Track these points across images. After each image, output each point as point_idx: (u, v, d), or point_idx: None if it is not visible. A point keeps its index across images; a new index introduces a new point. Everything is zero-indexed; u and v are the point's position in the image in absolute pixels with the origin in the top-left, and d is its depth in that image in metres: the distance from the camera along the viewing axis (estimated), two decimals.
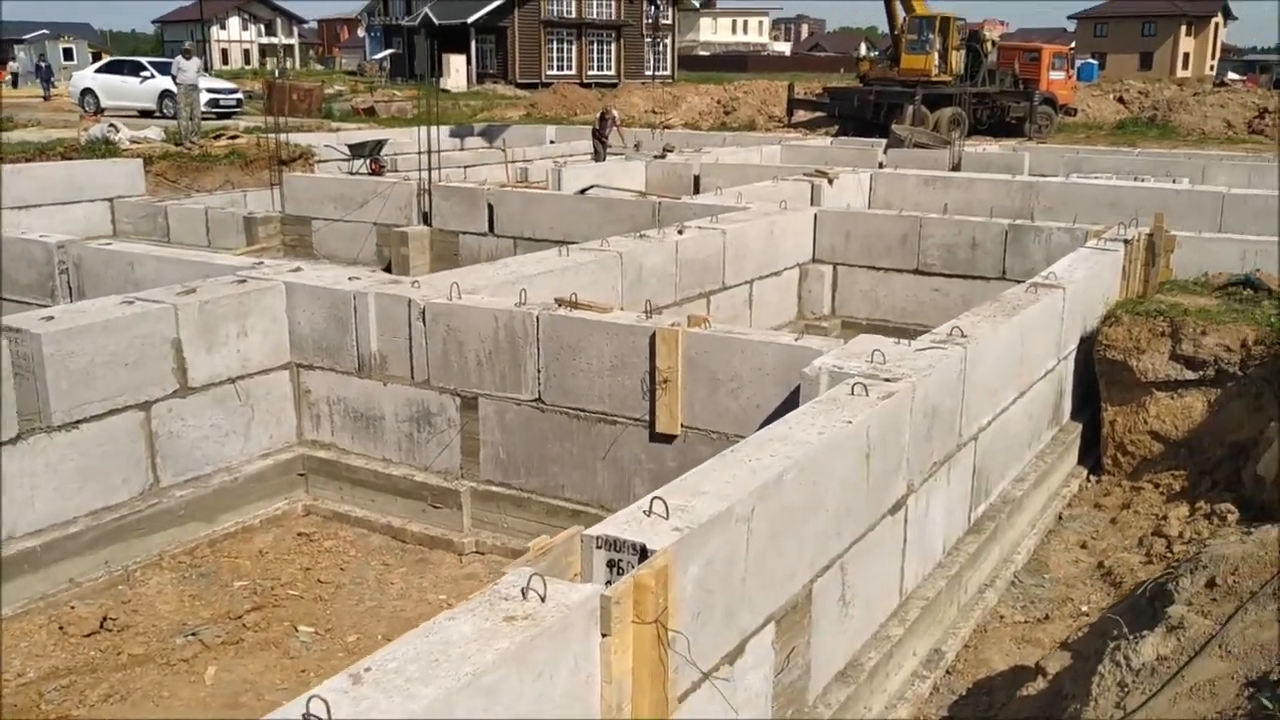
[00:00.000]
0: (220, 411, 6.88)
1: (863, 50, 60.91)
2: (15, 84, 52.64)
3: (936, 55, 32.79)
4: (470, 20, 60.57)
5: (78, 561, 6.06)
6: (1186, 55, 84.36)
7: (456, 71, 58.03)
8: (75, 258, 8.86)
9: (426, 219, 13.71)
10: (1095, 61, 65.87)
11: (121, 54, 55.68)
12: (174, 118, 23.83)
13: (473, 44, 61.77)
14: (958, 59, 33.27)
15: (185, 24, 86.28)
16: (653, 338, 6.13)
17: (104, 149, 18.25)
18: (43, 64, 52.85)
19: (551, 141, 26.38)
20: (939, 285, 10.75)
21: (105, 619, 5.73)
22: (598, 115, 25.23)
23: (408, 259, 13.16)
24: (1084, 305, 7.66)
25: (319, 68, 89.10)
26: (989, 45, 34.92)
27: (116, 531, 6.25)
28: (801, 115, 37.31)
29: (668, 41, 68.01)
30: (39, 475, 5.96)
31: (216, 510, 6.77)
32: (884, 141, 22.62)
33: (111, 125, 20.65)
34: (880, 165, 18.29)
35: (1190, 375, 7.31)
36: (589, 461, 6.49)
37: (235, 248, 14.20)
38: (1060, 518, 7.25)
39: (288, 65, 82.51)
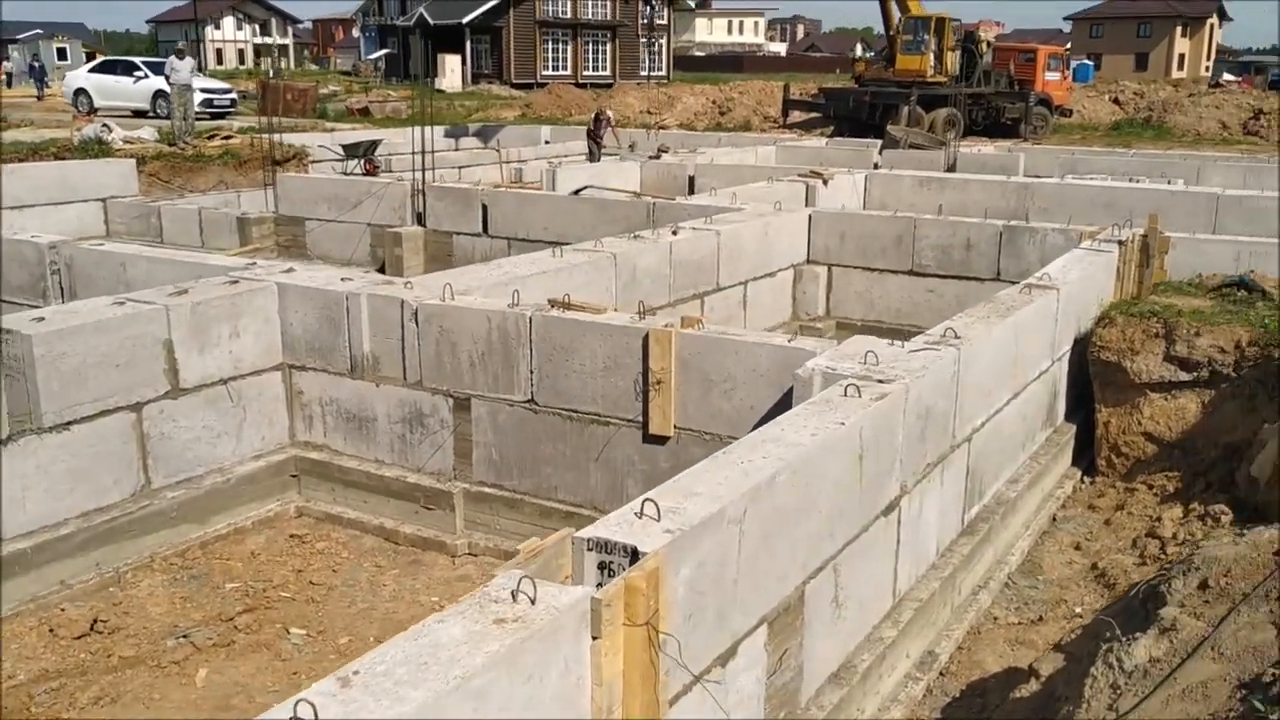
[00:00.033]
0: (212, 413, 6.86)
1: (858, 51, 60.92)
2: (9, 84, 52.53)
3: (932, 56, 32.82)
4: (465, 20, 60.53)
5: (68, 563, 6.03)
6: (1182, 56, 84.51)
7: (451, 72, 57.98)
8: (67, 258, 8.83)
9: (420, 219, 13.68)
10: (1091, 62, 65.97)
11: (116, 54, 55.56)
12: (167, 118, 23.80)
13: (468, 44, 61.73)
14: (953, 60, 33.31)
15: (180, 24, 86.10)
16: (646, 339, 6.12)
17: (97, 149, 18.20)
18: (36, 64, 52.81)
19: (546, 142, 26.37)
20: (934, 286, 10.75)
21: (96, 621, 5.70)
22: (592, 116, 25.21)
23: (402, 260, 13.15)
24: (1078, 306, 7.66)
25: (314, 68, 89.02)
26: (984, 46, 34.99)
27: (108, 533, 6.22)
28: (797, 116, 37.33)
29: (663, 42, 68.03)
30: (30, 476, 5.93)
31: (208, 512, 6.74)
32: (879, 142, 22.65)
33: (105, 125, 20.61)
34: (875, 166, 18.28)
35: (1184, 376, 7.31)
36: (582, 463, 6.47)
37: (229, 248, 14.17)
38: (1054, 519, 7.24)
39: (282, 65, 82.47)
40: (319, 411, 7.26)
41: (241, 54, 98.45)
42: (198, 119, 24.22)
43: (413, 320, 6.76)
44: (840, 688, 4.54)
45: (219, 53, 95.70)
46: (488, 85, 58.19)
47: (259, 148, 19.07)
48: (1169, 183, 15.61)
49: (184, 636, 5.62)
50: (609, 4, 65.05)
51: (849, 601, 4.64)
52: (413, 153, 15.76)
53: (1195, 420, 7.30)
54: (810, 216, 11.42)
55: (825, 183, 13.67)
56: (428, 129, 15.54)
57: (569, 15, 63.78)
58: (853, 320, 10.99)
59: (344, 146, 20.45)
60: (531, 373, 6.50)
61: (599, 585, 3.16)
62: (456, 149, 23.76)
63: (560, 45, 64.00)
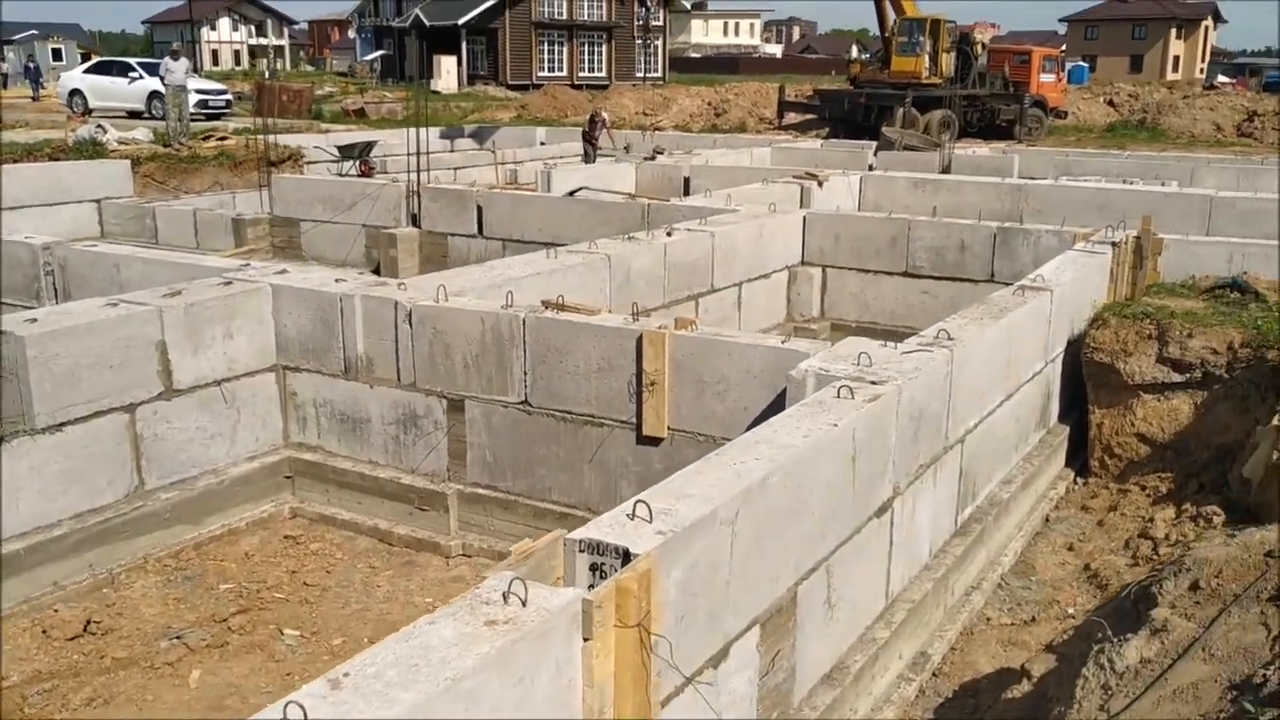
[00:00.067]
0: (206, 414, 6.85)
1: (854, 52, 60.96)
2: (4, 85, 52.40)
3: (927, 58, 32.87)
4: (461, 22, 60.49)
5: (62, 564, 6.02)
6: (1176, 58, 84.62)
7: (447, 73, 57.97)
8: (61, 259, 8.82)
9: (415, 221, 13.68)
10: (1085, 64, 66.04)
11: (111, 55, 55.50)
12: (163, 119, 23.77)
13: (463, 45, 61.68)
14: (948, 61, 33.36)
15: (175, 25, 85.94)
16: (639, 340, 6.12)
17: (91, 150, 18.18)
18: (31, 64, 52.69)
19: (542, 143, 26.36)
20: (928, 288, 10.76)
21: (89, 622, 5.70)
22: (588, 117, 25.23)
23: (396, 261, 13.15)
24: (1072, 308, 7.67)
25: (309, 69, 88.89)
26: (979, 48, 35.06)
27: (101, 534, 6.22)
28: (792, 117, 37.35)
29: (659, 43, 68.04)
30: (23, 478, 5.92)
31: (202, 513, 6.74)
32: (874, 144, 22.66)
33: (99, 126, 20.58)
34: (870, 168, 18.31)
35: (1177, 378, 7.33)
36: (576, 464, 6.48)
37: (224, 249, 14.16)
38: (1047, 520, 7.25)
39: (278, 66, 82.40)
40: (313, 413, 7.25)
41: (237, 55, 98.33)
42: (193, 120, 24.19)
43: (406, 321, 6.76)
44: (833, 689, 4.55)
45: (215, 54, 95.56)
46: (483, 86, 58.17)
47: (254, 149, 19.04)
48: (1163, 184, 15.65)
49: (177, 638, 5.62)
50: (605, 5, 65.05)
51: (842, 602, 4.65)
52: (408, 154, 15.75)
53: (1188, 421, 7.32)
54: (805, 218, 11.43)
55: (820, 184, 13.68)
56: (423, 130, 15.53)
57: (565, 17, 63.76)
58: (847, 322, 11.00)
59: (339, 148, 20.45)
60: (525, 374, 6.50)
61: (591, 587, 3.16)
62: (452, 150, 23.75)
63: (556, 47, 63.99)
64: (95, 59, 41.59)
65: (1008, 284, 7.84)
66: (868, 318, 11.02)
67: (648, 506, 3.41)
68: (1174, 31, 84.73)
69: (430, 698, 2.52)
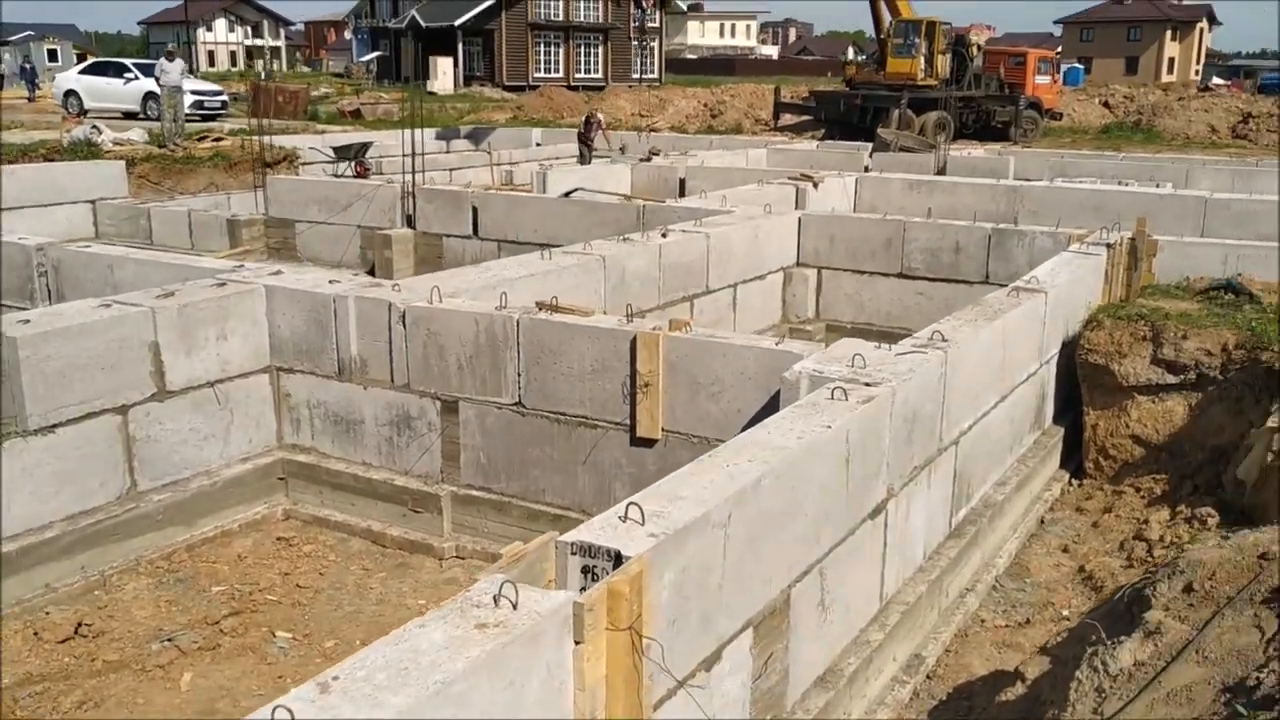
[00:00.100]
0: (199, 415, 6.83)
1: (849, 54, 61.09)
2: (1, 85, 52.36)
3: (922, 59, 32.85)
4: (457, 23, 60.49)
5: (53, 566, 6.00)
6: (1172, 60, 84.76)
7: (443, 74, 57.97)
8: (54, 260, 8.80)
9: (411, 222, 13.67)
10: (1081, 66, 66.12)
11: (107, 55, 55.46)
12: (157, 120, 23.73)
13: (460, 46, 61.67)
14: (943, 63, 33.33)
15: (171, 25, 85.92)
16: (634, 342, 6.11)
17: (86, 151, 18.14)
18: (27, 65, 52.61)
19: (538, 144, 26.37)
20: (923, 289, 10.76)
21: (80, 625, 5.67)
22: (583, 118, 25.23)
23: (391, 262, 13.13)
24: (1066, 309, 7.67)
25: (306, 70, 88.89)
26: (975, 49, 35.00)
27: (93, 536, 6.19)
28: (788, 119, 37.33)
29: (655, 44, 68.04)
30: (15, 479, 5.90)
31: (195, 515, 6.72)
32: (870, 145, 22.66)
33: (94, 127, 20.54)
34: (866, 169, 18.31)
35: (1171, 379, 7.32)
36: (570, 466, 6.46)
37: (219, 250, 14.14)
38: (1042, 521, 7.25)
39: (274, 67, 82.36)
40: (306, 414, 7.24)
41: (234, 56, 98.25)
42: (188, 121, 24.16)
43: (400, 323, 6.75)
44: (826, 691, 4.54)
45: (211, 55, 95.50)
46: (479, 87, 58.16)
47: (250, 150, 19.03)
48: (1157, 186, 15.66)
49: (169, 640, 5.60)
50: (601, 7, 65.04)
51: (835, 605, 4.64)
52: (403, 155, 15.75)
53: (1182, 423, 7.32)
54: (800, 219, 11.43)
55: (815, 185, 13.68)
56: (419, 131, 15.54)
57: (561, 18, 63.76)
58: (842, 323, 11.00)
59: (335, 149, 20.44)
60: (519, 375, 6.49)
61: (583, 590, 3.15)
62: (448, 151, 23.76)
63: (552, 48, 63.98)
64: (91, 60, 41.54)
65: (1003, 285, 7.83)
66: (863, 319, 11.02)
67: (640, 509, 3.39)
68: (1169, 33, 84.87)
69: (420, 701, 2.51)
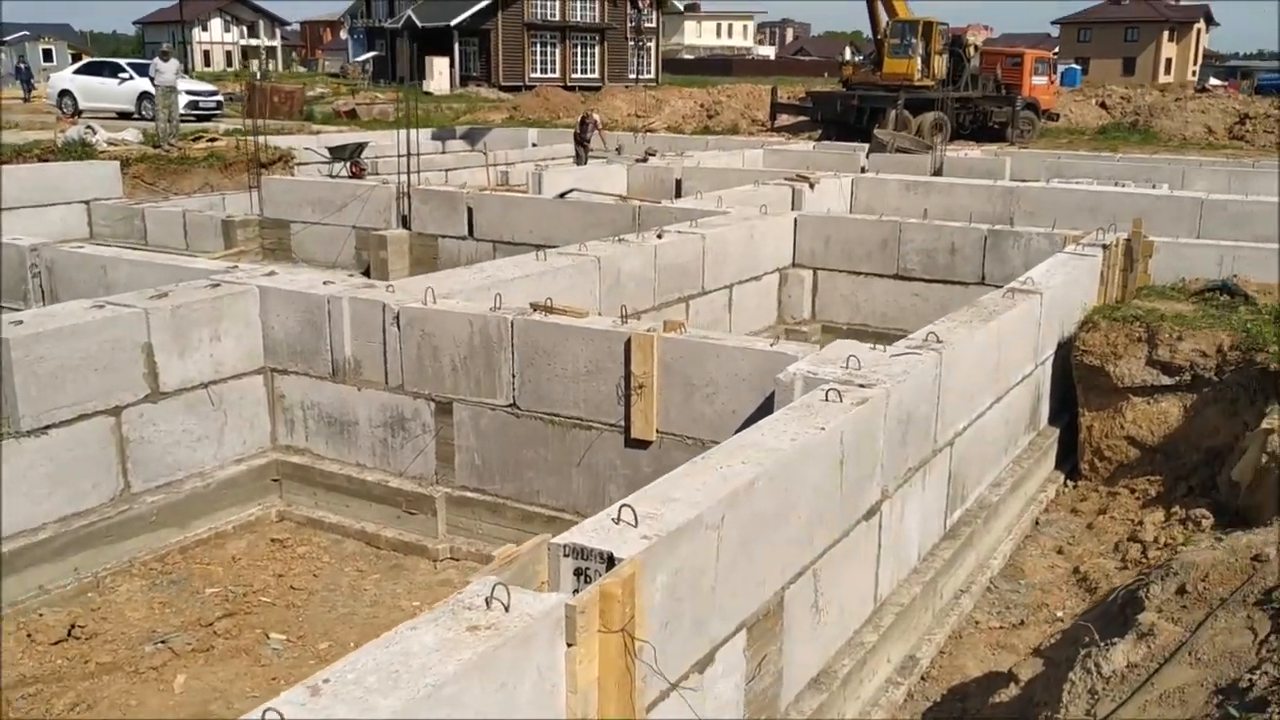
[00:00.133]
0: (193, 417, 6.82)
1: (846, 54, 61.12)
2: None
3: (919, 60, 32.88)
4: (453, 23, 60.48)
5: (46, 568, 5.98)
6: (1169, 61, 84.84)
7: (439, 74, 57.93)
8: (48, 261, 8.78)
9: (406, 222, 13.66)
10: (1078, 67, 66.23)
11: (102, 55, 55.39)
12: (152, 120, 23.71)
13: (456, 46, 61.67)
14: (940, 64, 33.36)
15: (167, 25, 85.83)
16: (628, 343, 6.10)
17: (81, 151, 18.12)
18: (22, 65, 52.55)
19: (534, 145, 26.37)
20: (919, 290, 10.75)
21: (73, 627, 5.66)
22: (579, 119, 25.22)
23: (386, 263, 13.12)
24: (1062, 310, 7.67)
25: (301, 70, 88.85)
26: (972, 50, 35.04)
27: (86, 538, 6.18)
28: (784, 119, 37.35)
29: (651, 45, 68.02)
30: (7, 481, 5.88)
31: (189, 516, 6.70)
32: (866, 146, 22.66)
33: (89, 127, 20.52)
34: (862, 170, 18.31)
35: (1166, 381, 7.33)
36: (564, 467, 6.45)
37: (213, 251, 14.11)
38: (1037, 523, 7.25)
39: (270, 67, 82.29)
40: (300, 415, 7.22)
41: (229, 56, 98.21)
42: (183, 121, 24.13)
43: (394, 324, 6.74)
44: (820, 693, 4.53)
45: (207, 54, 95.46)
46: (476, 87, 58.15)
47: (245, 150, 19.02)
48: (1154, 187, 15.67)
49: (162, 642, 5.58)
50: (597, 7, 65.05)
51: (829, 606, 4.63)
52: (399, 155, 15.74)
53: (1177, 424, 7.32)
54: (796, 220, 11.43)
55: (811, 186, 13.68)
56: (414, 132, 15.53)
57: (557, 18, 63.76)
58: (838, 324, 11.00)
59: (330, 149, 20.42)
60: (513, 377, 6.48)
61: (575, 592, 3.14)
62: (443, 152, 23.75)
63: (548, 48, 63.98)
64: (86, 59, 41.49)
65: (998, 286, 7.82)
66: (859, 320, 11.02)
67: (633, 511, 3.39)
68: (1166, 34, 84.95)
69: (411, 704, 2.50)
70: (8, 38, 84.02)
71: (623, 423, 6.22)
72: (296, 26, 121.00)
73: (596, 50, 65.81)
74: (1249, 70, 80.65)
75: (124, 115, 30.40)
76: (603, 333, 6.22)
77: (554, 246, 9.16)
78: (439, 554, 6.64)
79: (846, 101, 34.03)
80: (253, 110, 22.29)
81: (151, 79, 22.82)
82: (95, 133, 19.90)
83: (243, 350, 7.09)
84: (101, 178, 16.11)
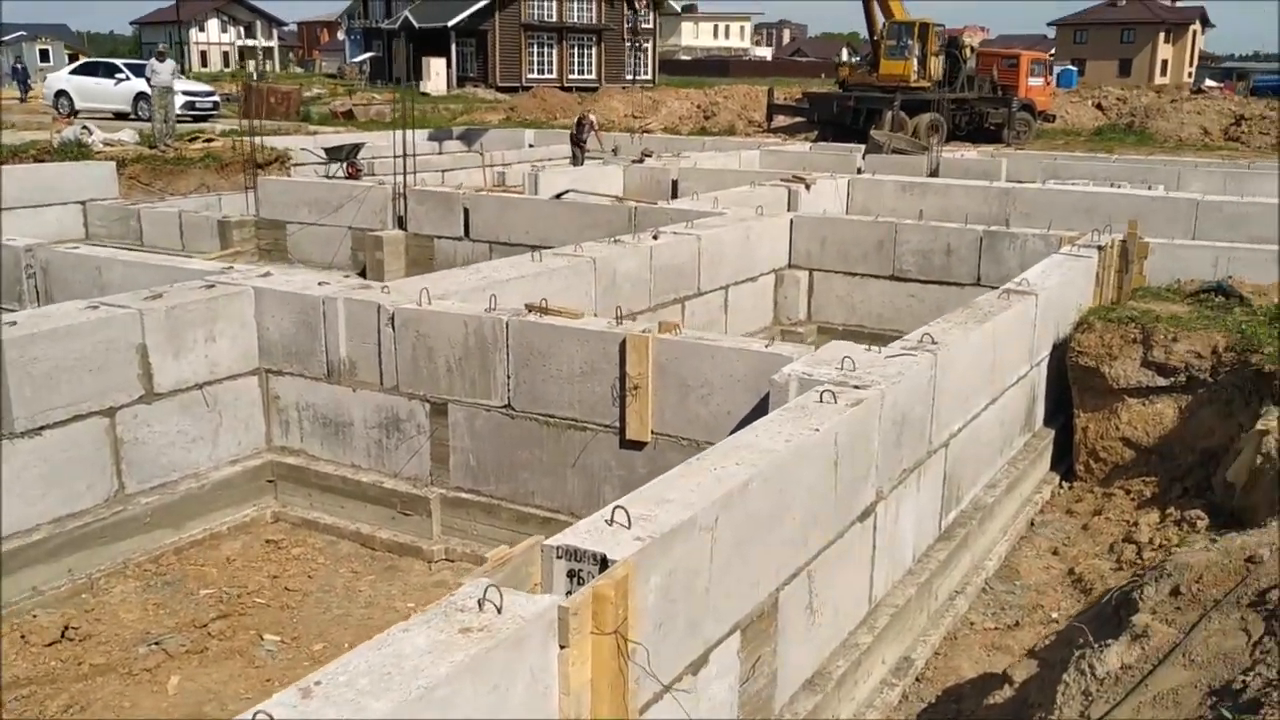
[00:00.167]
0: (187, 418, 6.81)
1: (843, 55, 61.17)
2: None
3: (915, 61, 32.91)
4: (450, 23, 60.46)
5: (40, 569, 5.97)
6: (1165, 62, 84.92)
7: (436, 75, 57.90)
8: (43, 262, 8.76)
9: (402, 223, 13.65)
10: (1074, 68, 66.33)
11: (99, 55, 55.32)
12: (148, 120, 23.68)
13: (453, 47, 61.65)
14: (937, 65, 33.41)
15: (164, 25, 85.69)
16: (623, 344, 6.10)
17: (77, 151, 18.11)
18: (19, 66, 52.46)
19: (530, 145, 26.36)
20: (915, 291, 10.76)
21: (67, 628, 5.64)
22: (576, 120, 25.22)
23: (382, 263, 13.11)
24: (1057, 311, 7.67)
25: (298, 70, 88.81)
26: (968, 51, 35.09)
27: (81, 539, 6.17)
28: (781, 120, 37.38)
29: (648, 46, 68.05)
30: (2, 482, 5.87)
31: (183, 517, 6.69)
32: (862, 147, 22.68)
33: (85, 127, 20.51)
34: (858, 171, 18.32)
35: (1162, 382, 7.33)
36: (559, 468, 6.45)
37: (209, 251, 14.10)
38: (1032, 524, 7.25)
39: (267, 68, 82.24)
40: (295, 416, 7.21)
41: (226, 56, 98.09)
42: (179, 121, 24.11)
43: (389, 325, 6.73)
44: (815, 694, 4.53)
45: (203, 55, 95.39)
46: (473, 88, 58.13)
47: (241, 150, 19.00)
48: (1149, 188, 15.70)
49: (156, 643, 5.57)
50: (594, 8, 65.05)
51: (824, 608, 4.63)
52: (395, 156, 15.73)
53: (1172, 425, 7.32)
54: (792, 221, 11.42)
55: (808, 187, 13.68)
56: (411, 132, 15.51)
57: (554, 19, 63.75)
58: (834, 325, 11.00)
59: (326, 150, 20.41)
60: (508, 378, 6.48)
61: (569, 593, 3.13)
62: (440, 152, 23.73)
63: (545, 49, 63.96)
64: (82, 60, 41.44)
65: (994, 287, 7.82)
66: (854, 321, 11.02)
67: (626, 512, 3.38)
68: (1162, 35, 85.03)
69: (403, 706, 2.50)
70: (5, 38, 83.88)
71: (618, 424, 6.22)
72: (293, 27, 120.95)
73: (593, 51, 65.81)
74: (1245, 72, 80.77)
75: (120, 116, 30.35)
76: (598, 334, 6.21)
77: (550, 247, 9.17)
78: (434, 555, 6.63)
79: (843, 103, 34.06)
80: (249, 111, 22.26)
81: (148, 79, 22.81)
82: (91, 133, 19.88)
83: (238, 351, 7.08)
84: (97, 178, 16.09)
